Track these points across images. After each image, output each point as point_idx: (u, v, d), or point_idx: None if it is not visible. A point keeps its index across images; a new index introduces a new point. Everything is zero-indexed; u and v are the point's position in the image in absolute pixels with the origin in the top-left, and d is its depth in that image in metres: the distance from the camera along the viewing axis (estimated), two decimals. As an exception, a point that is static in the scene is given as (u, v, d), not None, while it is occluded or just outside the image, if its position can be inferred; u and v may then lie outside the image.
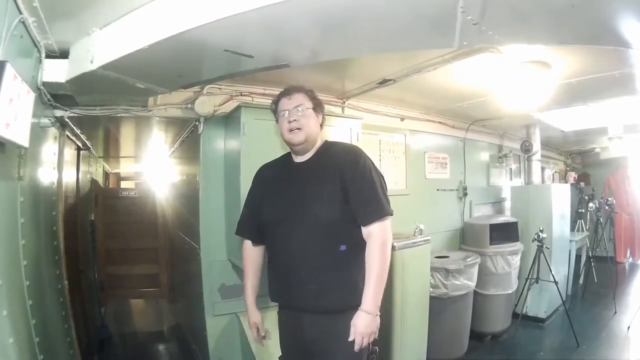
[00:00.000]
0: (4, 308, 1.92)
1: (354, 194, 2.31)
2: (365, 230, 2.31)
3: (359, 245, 2.31)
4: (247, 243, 2.66)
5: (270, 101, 2.62)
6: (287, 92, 2.47)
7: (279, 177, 2.55)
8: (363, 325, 2.21)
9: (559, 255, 6.41)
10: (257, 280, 2.65)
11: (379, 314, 2.29)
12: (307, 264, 2.30)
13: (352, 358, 2.28)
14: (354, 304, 2.26)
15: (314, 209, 2.31)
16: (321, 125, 2.55)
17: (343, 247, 2.30)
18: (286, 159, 2.61)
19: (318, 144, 2.52)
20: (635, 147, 8.51)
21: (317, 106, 2.50)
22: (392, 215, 2.35)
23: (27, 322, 2.28)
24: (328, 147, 2.54)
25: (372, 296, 2.23)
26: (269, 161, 2.72)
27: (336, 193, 2.32)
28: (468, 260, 4.84)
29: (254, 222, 2.60)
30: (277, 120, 2.52)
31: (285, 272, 2.39)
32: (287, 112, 2.40)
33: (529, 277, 5.54)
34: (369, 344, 2.31)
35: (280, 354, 2.55)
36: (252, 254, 2.64)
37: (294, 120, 2.37)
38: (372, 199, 2.32)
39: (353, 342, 2.23)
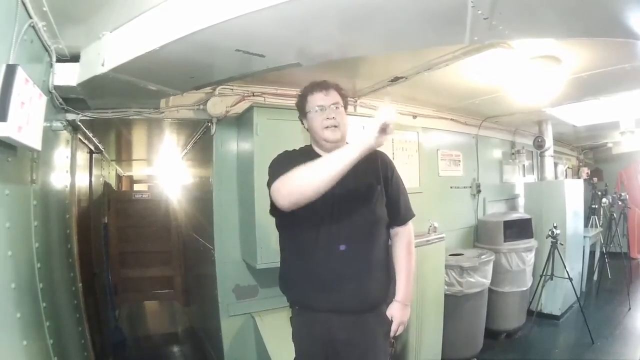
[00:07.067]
0: (17, 310, 1.93)
1: (393, 196, 2.40)
2: (395, 230, 2.46)
3: (387, 245, 2.42)
4: None
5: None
6: (324, 87, 2.34)
7: None
8: (399, 314, 2.36)
9: (573, 251, 6.36)
10: None
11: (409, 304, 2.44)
12: (347, 263, 2.20)
13: (383, 353, 2.32)
14: (384, 300, 2.35)
15: (360, 207, 2.26)
16: None
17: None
18: (312, 153, 2.35)
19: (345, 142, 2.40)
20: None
21: (346, 104, 2.45)
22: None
23: (40, 325, 2.30)
24: None
25: (405, 287, 2.40)
26: (289, 150, 2.48)
27: (379, 193, 2.34)
28: (482, 257, 4.83)
29: None
30: (305, 114, 2.38)
31: (321, 272, 2.23)
32: (324, 107, 2.30)
33: (544, 273, 5.53)
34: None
35: (295, 356, 2.42)
36: None
37: (333, 117, 2.29)
38: (406, 202, 2.50)
39: (383, 336, 2.31)
